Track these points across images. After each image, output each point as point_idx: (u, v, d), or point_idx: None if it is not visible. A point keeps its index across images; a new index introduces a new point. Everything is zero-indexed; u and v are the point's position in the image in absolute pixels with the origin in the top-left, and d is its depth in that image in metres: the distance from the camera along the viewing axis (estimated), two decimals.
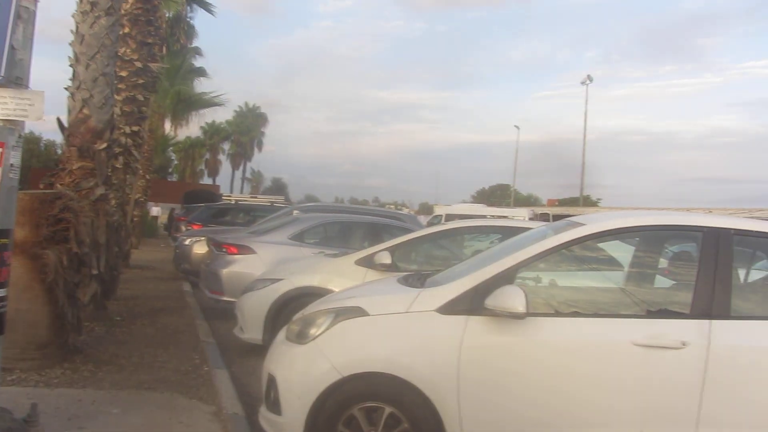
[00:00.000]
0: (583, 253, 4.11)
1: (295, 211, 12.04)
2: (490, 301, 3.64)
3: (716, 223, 3.93)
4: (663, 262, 4.46)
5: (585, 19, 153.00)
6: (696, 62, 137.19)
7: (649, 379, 3.60)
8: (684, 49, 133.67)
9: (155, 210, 31.76)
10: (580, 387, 3.65)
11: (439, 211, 32.04)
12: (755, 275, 4.25)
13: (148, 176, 20.46)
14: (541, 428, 3.67)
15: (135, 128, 11.81)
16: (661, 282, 4.34)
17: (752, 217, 6.11)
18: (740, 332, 3.65)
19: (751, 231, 4.00)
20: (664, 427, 3.58)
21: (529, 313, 3.59)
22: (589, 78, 51.02)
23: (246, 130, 76.28)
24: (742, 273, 4.16)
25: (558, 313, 3.80)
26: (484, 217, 22.03)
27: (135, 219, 16.73)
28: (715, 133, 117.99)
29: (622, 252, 4.43)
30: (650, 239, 4.40)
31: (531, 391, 3.66)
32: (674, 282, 4.25)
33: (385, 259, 6.73)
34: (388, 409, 3.70)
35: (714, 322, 3.62)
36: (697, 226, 3.98)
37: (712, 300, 3.67)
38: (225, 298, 8.56)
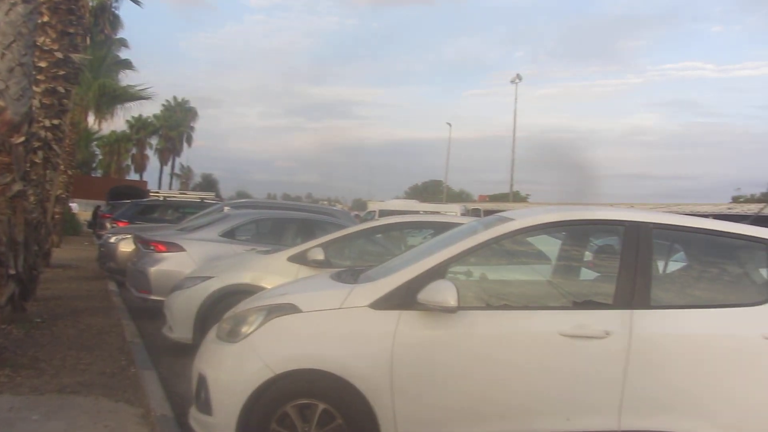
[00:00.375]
0: (512, 247, 4.21)
1: (226, 208, 11.84)
2: (423, 296, 3.68)
3: (637, 218, 4.10)
4: (588, 255, 4.62)
5: (514, 19, 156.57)
6: (618, 63, 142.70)
7: (575, 368, 3.73)
8: (607, 51, 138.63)
9: (73, 206, 30.51)
10: (511, 378, 3.74)
11: (372, 207, 32.11)
12: (673, 266, 4.45)
13: (70, 172, 19.62)
14: (473, 420, 3.74)
15: (56, 121, 11.28)
16: (587, 274, 4.49)
17: (670, 212, 6.41)
18: (659, 321, 3.82)
19: (669, 225, 4.20)
20: (589, 414, 3.71)
21: (460, 307, 3.64)
22: (519, 77, 52.37)
23: (174, 125, 74.17)
24: (661, 264, 4.36)
25: (489, 306, 3.88)
26: (417, 212, 22.24)
27: (56, 216, 16.03)
28: (636, 131, 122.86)
29: (550, 246, 4.55)
30: (576, 233, 4.54)
31: (463, 384, 3.73)
32: (598, 274, 4.41)
33: (318, 255, 6.70)
34: (321, 406, 3.68)
35: (635, 311, 3.78)
36: (619, 221, 4.14)
37: (633, 291, 3.83)
38: (153, 297, 8.32)
